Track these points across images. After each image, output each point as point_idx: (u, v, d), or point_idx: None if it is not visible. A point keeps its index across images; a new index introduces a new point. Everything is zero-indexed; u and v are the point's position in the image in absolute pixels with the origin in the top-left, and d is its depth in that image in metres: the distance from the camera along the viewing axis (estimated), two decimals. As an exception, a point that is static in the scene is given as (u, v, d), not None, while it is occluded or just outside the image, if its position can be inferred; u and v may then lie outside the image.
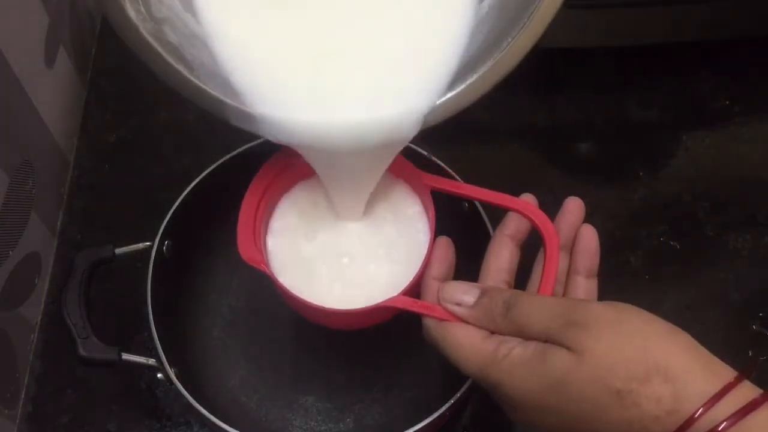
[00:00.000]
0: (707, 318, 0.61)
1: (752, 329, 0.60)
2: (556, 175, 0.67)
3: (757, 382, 0.33)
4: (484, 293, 0.39)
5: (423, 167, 0.56)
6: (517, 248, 0.43)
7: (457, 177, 0.55)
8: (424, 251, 0.43)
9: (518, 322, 0.37)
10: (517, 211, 0.43)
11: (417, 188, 0.46)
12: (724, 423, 0.31)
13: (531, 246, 0.44)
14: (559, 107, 0.71)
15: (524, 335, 0.37)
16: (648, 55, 0.72)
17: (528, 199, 0.44)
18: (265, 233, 0.46)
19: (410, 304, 0.41)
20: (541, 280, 0.41)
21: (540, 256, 0.44)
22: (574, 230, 0.43)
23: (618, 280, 0.62)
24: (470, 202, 0.54)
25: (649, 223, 0.65)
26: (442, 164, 0.55)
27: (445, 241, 0.43)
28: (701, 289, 0.62)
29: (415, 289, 0.43)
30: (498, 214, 0.53)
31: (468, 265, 0.45)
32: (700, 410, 0.31)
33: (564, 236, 0.43)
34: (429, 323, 0.40)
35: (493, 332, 0.38)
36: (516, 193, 0.56)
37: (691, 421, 0.31)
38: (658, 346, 0.33)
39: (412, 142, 0.56)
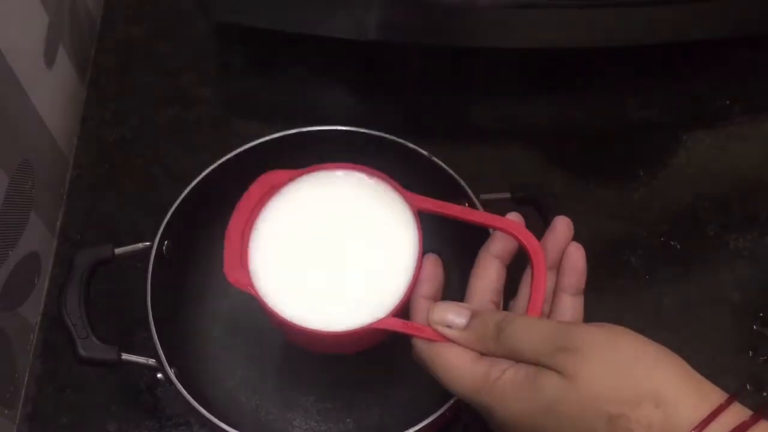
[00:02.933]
0: (707, 318, 0.61)
1: (752, 329, 0.60)
2: (556, 175, 0.67)
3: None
4: (475, 315, 0.39)
5: (423, 167, 0.56)
6: (503, 268, 0.43)
7: (457, 177, 0.55)
8: (412, 271, 0.43)
9: (510, 346, 0.37)
10: (504, 231, 0.43)
11: (404, 208, 0.45)
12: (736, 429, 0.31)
13: (518, 259, 0.44)
14: (559, 107, 0.71)
15: (515, 358, 0.37)
16: (648, 55, 0.72)
17: (514, 218, 0.43)
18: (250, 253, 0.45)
19: (399, 326, 0.41)
20: (529, 301, 0.41)
21: (527, 275, 0.43)
22: (561, 249, 0.43)
23: (618, 280, 0.62)
24: (470, 200, 0.54)
25: (649, 223, 0.65)
26: (442, 164, 0.55)
27: (433, 259, 0.43)
28: (701, 289, 0.62)
29: (404, 310, 0.42)
30: (498, 214, 0.54)
31: (467, 264, 0.45)
32: (700, 425, 0.31)
33: (551, 255, 0.43)
34: (419, 344, 0.40)
35: (483, 354, 0.38)
36: (515, 193, 0.56)
37: None
38: (649, 371, 0.34)
39: (412, 142, 0.57)
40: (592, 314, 0.60)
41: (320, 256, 0.44)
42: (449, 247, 0.51)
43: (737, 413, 0.32)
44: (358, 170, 0.47)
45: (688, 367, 0.34)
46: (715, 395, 0.33)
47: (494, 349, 0.38)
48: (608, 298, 0.61)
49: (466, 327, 0.39)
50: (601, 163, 0.69)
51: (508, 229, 0.42)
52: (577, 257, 0.43)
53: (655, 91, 0.72)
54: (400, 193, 0.45)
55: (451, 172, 0.55)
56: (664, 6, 0.64)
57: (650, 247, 0.64)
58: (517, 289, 0.44)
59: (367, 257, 0.44)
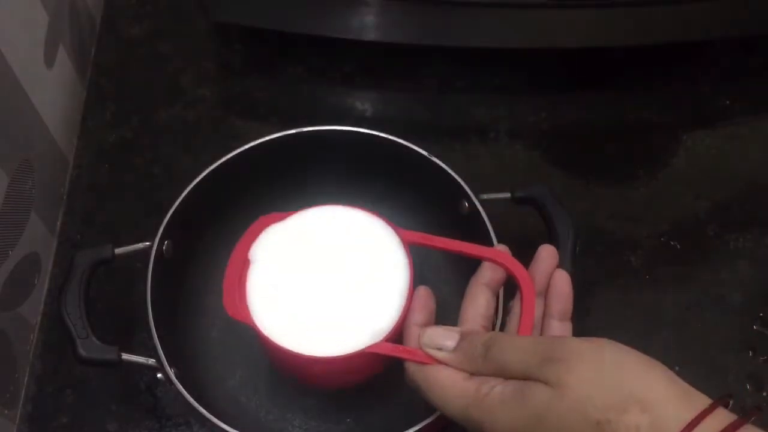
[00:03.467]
0: (707, 318, 0.61)
1: (752, 329, 0.60)
2: (556, 175, 0.67)
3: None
4: (463, 337, 0.40)
5: (423, 167, 0.56)
6: (493, 295, 0.44)
7: (457, 177, 0.55)
8: (404, 300, 0.45)
9: (497, 362, 0.38)
10: (491, 261, 0.44)
11: (394, 242, 0.47)
12: None
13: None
14: (559, 107, 0.71)
15: (504, 374, 0.38)
16: (648, 55, 0.72)
17: (501, 249, 0.45)
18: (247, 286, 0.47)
19: (392, 350, 0.43)
20: (519, 328, 0.42)
21: (515, 303, 0.45)
22: (548, 276, 0.44)
23: (618, 280, 0.62)
24: (470, 202, 0.54)
25: (649, 223, 0.65)
26: (442, 164, 0.55)
27: (424, 291, 0.44)
28: (701, 289, 0.62)
29: (396, 337, 0.44)
30: (499, 217, 0.54)
31: (468, 268, 0.45)
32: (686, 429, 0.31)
33: (538, 283, 0.44)
34: (411, 368, 0.41)
35: (473, 374, 0.39)
36: (515, 193, 0.56)
37: None
38: (635, 377, 0.34)
39: (412, 142, 0.57)
40: (592, 314, 0.60)
41: (314, 288, 0.46)
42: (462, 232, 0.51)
43: (724, 417, 0.32)
44: (349, 209, 0.49)
45: (674, 375, 0.35)
46: (701, 401, 0.33)
47: (483, 367, 0.39)
48: (608, 298, 0.61)
49: (456, 348, 0.40)
50: (601, 163, 0.69)
51: (496, 260, 0.44)
52: (562, 284, 0.44)
53: (655, 91, 0.72)
54: (391, 227, 0.47)
55: (451, 172, 0.55)
56: (664, 6, 0.64)
57: (650, 247, 0.64)
58: (509, 314, 0.45)
59: (360, 288, 0.46)
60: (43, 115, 0.62)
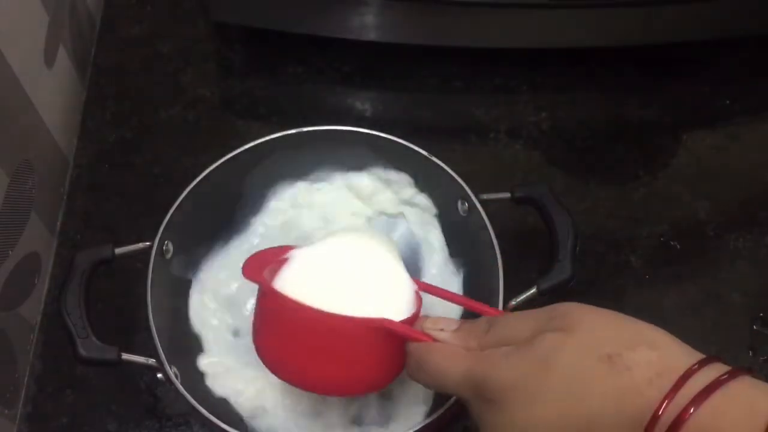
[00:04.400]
0: (707, 318, 0.61)
1: (752, 329, 0.60)
2: (556, 175, 0.67)
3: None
4: (464, 322, 0.40)
5: (423, 167, 0.56)
6: None
7: (457, 177, 0.55)
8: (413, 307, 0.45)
9: (503, 335, 0.37)
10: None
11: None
12: (725, 375, 0.31)
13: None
14: (559, 107, 0.71)
15: (510, 343, 0.37)
16: (648, 55, 0.72)
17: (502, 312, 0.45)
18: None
19: (397, 326, 0.42)
20: None
21: None
22: None
23: (618, 280, 0.62)
24: (470, 202, 0.54)
25: (649, 223, 0.65)
26: (442, 164, 0.55)
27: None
28: (701, 289, 0.62)
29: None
30: (499, 217, 0.54)
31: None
32: (695, 365, 0.31)
33: None
34: (415, 348, 0.40)
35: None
36: (515, 193, 0.56)
37: (688, 373, 0.31)
38: (642, 325, 0.35)
39: (412, 142, 0.57)
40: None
41: (333, 284, 0.46)
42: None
43: (723, 367, 0.32)
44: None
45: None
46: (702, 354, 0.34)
47: (487, 339, 0.38)
48: (608, 298, 0.61)
49: (458, 329, 0.40)
50: (601, 163, 0.69)
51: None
52: None
53: (655, 91, 0.72)
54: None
55: (451, 172, 0.55)
56: (664, 6, 0.64)
57: (650, 247, 0.64)
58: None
59: (375, 287, 0.46)
60: (43, 115, 0.62)
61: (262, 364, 0.46)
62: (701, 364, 0.32)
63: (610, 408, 0.32)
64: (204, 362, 0.54)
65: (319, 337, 0.43)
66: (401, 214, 0.60)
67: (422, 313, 0.45)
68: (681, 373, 0.31)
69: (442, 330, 0.40)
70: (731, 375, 0.31)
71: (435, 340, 0.40)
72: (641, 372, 0.32)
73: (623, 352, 0.33)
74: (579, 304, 0.36)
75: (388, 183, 0.59)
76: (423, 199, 0.59)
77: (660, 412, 0.31)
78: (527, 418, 0.34)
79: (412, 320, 0.43)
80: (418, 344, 0.40)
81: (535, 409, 0.34)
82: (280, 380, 0.47)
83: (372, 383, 0.46)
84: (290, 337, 0.45)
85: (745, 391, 0.31)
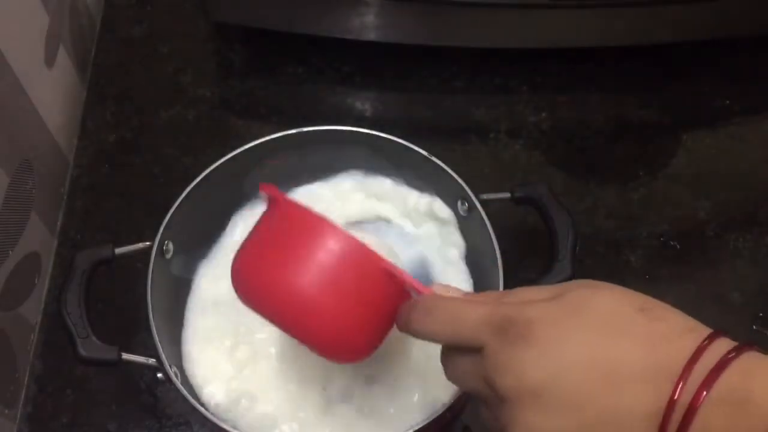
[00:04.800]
0: (707, 318, 0.60)
1: (752, 329, 0.60)
2: (556, 175, 0.67)
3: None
4: (474, 294, 0.40)
5: (423, 167, 0.56)
6: None
7: (457, 177, 0.55)
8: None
9: (518, 300, 0.35)
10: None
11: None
12: (747, 342, 0.31)
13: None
14: (559, 107, 0.71)
15: None
16: (648, 55, 0.72)
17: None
18: None
19: (406, 277, 0.38)
20: None
21: None
22: None
23: (618, 280, 0.62)
24: (470, 202, 0.54)
25: (649, 223, 0.65)
26: (442, 164, 0.55)
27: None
28: (701, 289, 0.62)
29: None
30: (499, 217, 0.54)
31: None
32: (721, 330, 0.32)
33: None
34: (428, 299, 0.37)
35: None
36: (515, 193, 0.56)
37: (716, 334, 0.32)
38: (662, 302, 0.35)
39: (412, 142, 0.57)
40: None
41: None
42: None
43: (729, 341, 0.32)
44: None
45: None
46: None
47: (504, 301, 0.36)
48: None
49: (469, 293, 0.39)
50: (600, 163, 0.69)
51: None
52: None
53: (655, 91, 0.72)
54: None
55: (451, 172, 0.55)
56: (664, 6, 0.64)
57: (650, 247, 0.64)
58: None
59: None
60: (43, 115, 0.62)
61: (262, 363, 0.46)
62: (717, 333, 0.32)
63: (640, 352, 0.31)
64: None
65: (326, 257, 0.38)
66: (408, 222, 0.59)
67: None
68: (710, 332, 0.32)
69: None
70: (750, 344, 0.31)
71: None
72: (674, 325, 0.33)
73: (655, 308, 0.33)
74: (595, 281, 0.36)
75: (399, 193, 0.59)
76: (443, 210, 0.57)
77: (695, 365, 0.30)
78: (558, 357, 0.32)
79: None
80: (429, 296, 0.38)
81: (567, 348, 0.32)
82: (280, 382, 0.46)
83: (358, 337, 0.40)
84: (294, 256, 0.38)
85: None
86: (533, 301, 0.34)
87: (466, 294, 0.39)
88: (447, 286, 0.39)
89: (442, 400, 0.48)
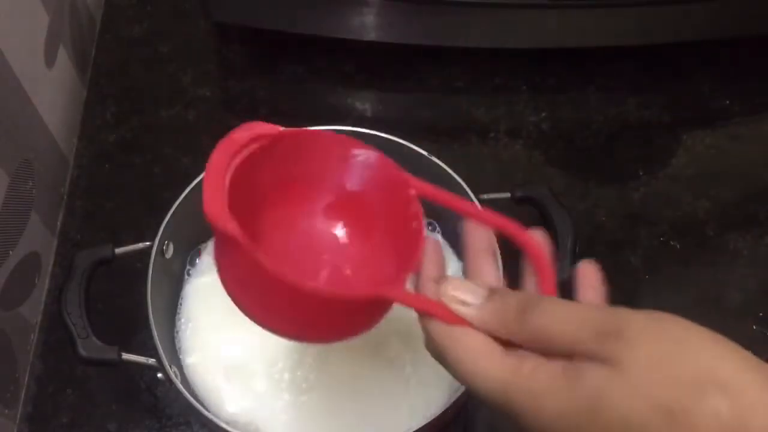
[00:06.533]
0: (707, 318, 0.61)
1: (752, 329, 0.60)
2: (556, 175, 0.67)
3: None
4: (492, 293, 0.33)
5: (423, 167, 0.56)
6: (496, 263, 0.38)
7: (457, 177, 0.55)
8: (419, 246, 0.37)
9: (537, 329, 0.31)
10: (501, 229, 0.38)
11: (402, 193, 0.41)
12: None
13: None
14: (559, 107, 0.71)
15: (543, 344, 0.31)
16: (648, 55, 0.72)
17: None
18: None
19: (409, 299, 0.34)
20: (542, 282, 0.36)
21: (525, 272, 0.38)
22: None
23: (618, 280, 0.62)
24: (469, 201, 0.54)
25: (649, 223, 0.65)
26: (442, 164, 0.55)
27: (434, 241, 0.37)
28: (701, 289, 0.62)
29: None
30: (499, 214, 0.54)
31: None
32: None
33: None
34: (434, 328, 0.33)
35: (505, 341, 0.32)
36: (515, 193, 0.56)
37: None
38: (709, 354, 0.29)
39: (412, 142, 0.57)
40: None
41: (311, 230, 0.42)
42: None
43: None
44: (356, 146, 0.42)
45: (743, 349, 0.30)
46: None
47: (517, 331, 0.32)
48: (608, 298, 0.61)
49: (483, 305, 0.33)
50: (600, 163, 0.69)
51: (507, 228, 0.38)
52: (592, 272, 0.38)
53: (655, 91, 0.72)
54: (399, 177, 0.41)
55: (451, 172, 0.55)
56: (664, 6, 0.64)
57: (650, 247, 0.64)
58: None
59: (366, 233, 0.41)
60: (43, 115, 0.62)
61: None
62: None
63: None
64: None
65: (303, 307, 0.36)
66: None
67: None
68: (760, 424, 0.26)
69: (465, 304, 0.33)
70: None
71: (457, 318, 0.33)
72: (710, 428, 0.27)
73: (686, 403, 0.27)
74: (636, 315, 0.31)
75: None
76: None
77: None
78: None
79: (415, 259, 0.36)
80: (439, 328, 0.33)
81: None
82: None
83: (367, 323, 0.39)
84: (261, 296, 0.37)
85: None
86: (553, 381, 0.30)
87: (482, 308, 0.33)
88: (460, 286, 0.34)
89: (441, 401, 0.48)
